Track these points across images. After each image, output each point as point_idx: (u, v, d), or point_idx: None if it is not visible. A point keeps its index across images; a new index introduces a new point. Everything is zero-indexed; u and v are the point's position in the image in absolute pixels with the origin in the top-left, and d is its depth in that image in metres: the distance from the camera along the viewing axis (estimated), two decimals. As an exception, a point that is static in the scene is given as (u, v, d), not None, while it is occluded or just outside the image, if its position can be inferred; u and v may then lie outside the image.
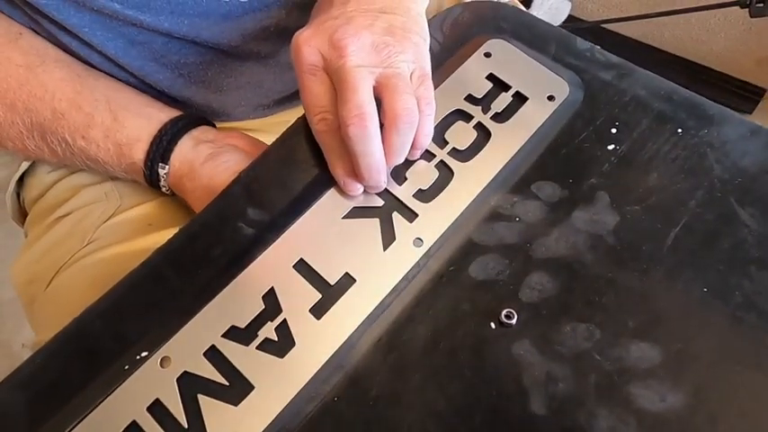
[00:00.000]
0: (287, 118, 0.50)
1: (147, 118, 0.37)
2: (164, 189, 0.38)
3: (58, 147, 0.36)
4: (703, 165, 0.33)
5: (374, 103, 0.30)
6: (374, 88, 0.30)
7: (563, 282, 0.30)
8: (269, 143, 0.43)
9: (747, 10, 0.97)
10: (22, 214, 0.47)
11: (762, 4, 0.96)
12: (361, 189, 0.32)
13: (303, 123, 0.35)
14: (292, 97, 0.48)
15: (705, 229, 0.31)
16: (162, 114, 0.37)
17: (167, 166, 0.36)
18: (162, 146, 0.36)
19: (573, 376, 0.27)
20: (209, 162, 0.36)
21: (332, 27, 0.31)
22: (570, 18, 1.30)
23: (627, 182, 0.33)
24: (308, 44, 0.31)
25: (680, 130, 0.34)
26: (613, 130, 0.34)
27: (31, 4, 0.35)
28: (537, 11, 1.27)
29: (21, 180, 0.45)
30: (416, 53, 0.32)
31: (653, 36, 1.24)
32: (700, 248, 0.30)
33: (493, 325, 0.29)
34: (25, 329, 0.94)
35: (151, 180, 0.37)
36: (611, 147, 0.34)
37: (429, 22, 0.39)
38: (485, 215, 0.32)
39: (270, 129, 0.49)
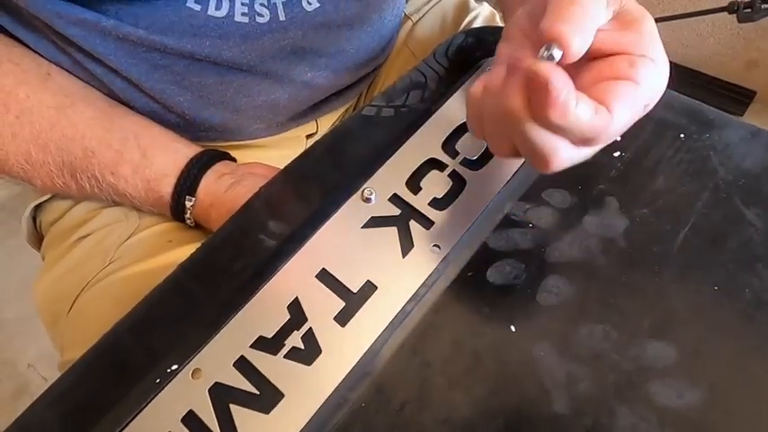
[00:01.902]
0: (299, 133, 0.51)
1: (174, 153, 0.38)
2: (188, 221, 0.39)
3: (86, 183, 0.37)
4: (707, 167, 0.34)
5: None
6: None
7: (578, 284, 0.31)
8: (282, 158, 0.44)
9: (735, 15, 1.00)
10: (37, 238, 0.48)
11: (749, 10, 0.99)
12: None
13: (320, 141, 0.36)
14: (304, 113, 0.49)
15: (712, 230, 0.32)
16: (187, 150, 0.39)
17: (194, 199, 0.38)
18: (189, 179, 0.38)
19: (592, 376, 0.28)
20: (231, 189, 0.38)
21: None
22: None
23: (634, 186, 0.34)
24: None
25: (682, 136, 0.35)
26: (618, 138, 0.35)
27: (60, 34, 0.36)
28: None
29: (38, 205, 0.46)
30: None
31: (644, 43, 1.27)
32: (708, 248, 0.31)
33: (513, 328, 0.29)
34: (31, 349, 0.94)
35: (176, 212, 0.39)
36: (616, 154, 0.35)
37: (435, 50, 0.41)
38: (499, 222, 0.33)
39: (283, 144, 0.51)
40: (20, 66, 0.37)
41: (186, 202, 0.38)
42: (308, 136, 0.53)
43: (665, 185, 0.34)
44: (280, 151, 0.51)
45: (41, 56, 0.39)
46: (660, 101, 0.37)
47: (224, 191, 0.38)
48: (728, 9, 1.01)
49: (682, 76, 1.26)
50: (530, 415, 0.27)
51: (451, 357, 0.29)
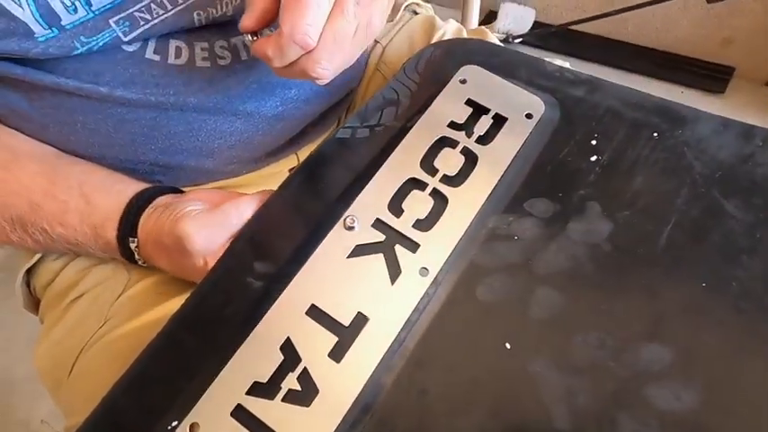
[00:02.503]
0: (279, 169, 0.51)
1: (117, 196, 0.37)
2: (140, 262, 0.38)
3: (39, 236, 0.37)
4: (683, 164, 0.34)
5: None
6: None
7: (568, 294, 0.31)
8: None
9: (702, -3, 1.01)
10: (33, 302, 0.47)
11: (716, -10, 1.00)
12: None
13: (297, 170, 0.36)
14: (282, 148, 0.49)
15: (695, 226, 0.32)
16: (129, 190, 0.38)
17: (136, 239, 0.37)
18: (129, 220, 0.36)
19: (590, 387, 0.28)
20: (157, 220, 0.36)
21: None
22: (537, 24, 1.33)
23: (614, 189, 0.34)
24: None
25: (656, 134, 0.36)
26: (593, 142, 0.36)
27: (26, 93, 0.36)
28: (503, 22, 1.31)
29: (28, 270, 0.46)
30: None
31: (618, 31, 1.28)
32: (692, 244, 0.32)
33: (508, 345, 0.29)
34: (42, 405, 0.93)
35: (126, 255, 0.38)
36: (593, 158, 0.35)
37: (404, 65, 0.41)
38: (484, 237, 0.33)
39: (265, 182, 0.50)
40: None
41: (131, 244, 0.37)
42: (291, 170, 0.53)
43: (644, 185, 0.34)
44: (261, 188, 0.51)
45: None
46: (631, 101, 0.38)
47: (153, 223, 0.36)
48: (695, -11, 1.02)
49: (660, 60, 1.27)
50: (533, 432, 0.27)
51: (449, 383, 0.29)
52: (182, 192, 0.41)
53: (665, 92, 1.27)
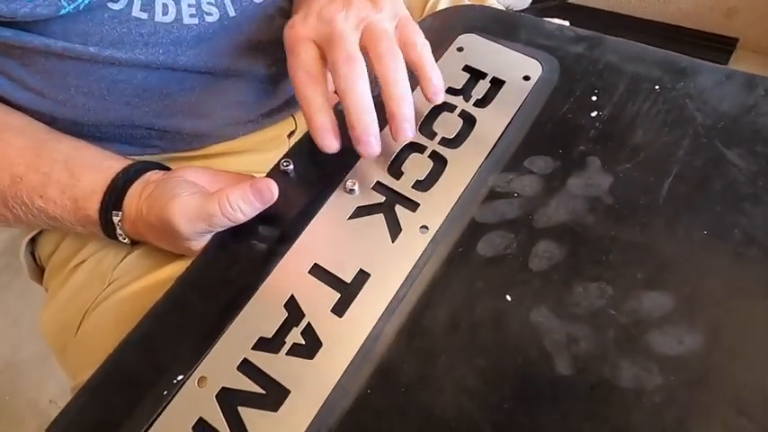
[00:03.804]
0: (279, 132, 0.51)
1: (105, 171, 0.36)
2: (120, 238, 0.37)
3: (19, 210, 0.36)
4: (685, 115, 0.34)
5: (360, 53, 0.32)
6: (360, 44, 0.33)
7: (569, 246, 0.31)
8: (266, 161, 0.44)
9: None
10: (39, 271, 0.48)
11: (722, -43, 0.98)
12: (336, 145, 0.33)
13: (299, 141, 0.36)
14: (279, 110, 0.49)
15: (696, 175, 0.32)
16: (118, 165, 0.37)
17: (120, 213, 0.36)
18: (115, 193, 0.36)
19: (592, 334, 0.28)
20: (149, 196, 0.35)
21: (318, 6, 0.34)
22: (536, -1, 1.32)
23: (615, 143, 0.34)
24: (301, 23, 0.34)
25: (657, 87, 0.35)
26: (594, 98, 0.36)
27: (13, 62, 0.36)
28: (504, -2, 1.29)
29: (32, 239, 0.47)
30: (393, 7, 0.35)
31: (620, 4, 1.26)
32: (694, 194, 0.31)
33: (509, 297, 0.30)
34: (50, 385, 0.95)
35: (107, 230, 0.36)
36: (594, 113, 0.35)
37: None
38: (484, 195, 0.33)
39: (265, 146, 0.51)
40: None
41: (114, 218, 0.36)
42: (289, 135, 0.53)
43: (645, 138, 0.34)
44: (263, 154, 0.51)
45: None
46: (631, 55, 0.37)
47: (144, 199, 0.35)
48: (701, -41, 1.00)
49: (663, 33, 1.25)
50: (535, 380, 0.27)
51: (450, 334, 0.29)
52: (168, 169, 0.40)
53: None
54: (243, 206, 0.32)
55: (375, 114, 0.32)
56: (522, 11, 1.30)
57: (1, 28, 0.35)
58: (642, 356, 0.27)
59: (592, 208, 0.32)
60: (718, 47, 1.21)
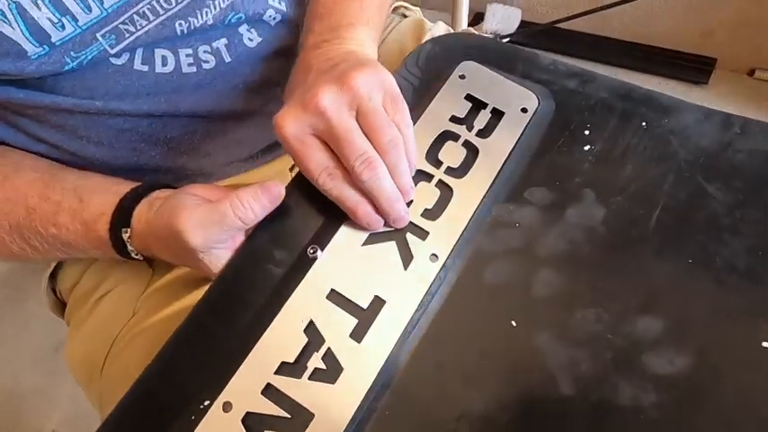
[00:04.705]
0: (280, 167, 0.53)
1: (112, 193, 0.38)
2: (132, 254, 0.38)
3: (35, 241, 0.37)
4: (669, 151, 0.37)
5: (373, 149, 0.33)
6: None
7: (568, 274, 0.33)
8: None
9: (683, -9, 1.05)
10: (60, 305, 0.49)
11: (696, -16, 1.03)
12: (383, 223, 0.35)
13: (301, 176, 0.38)
14: (277, 145, 0.51)
15: (681, 208, 0.35)
16: (125, 187, 0.38)
17: (129, 230, 0.36)
18: (123, 212, 0.37)
19: (591, 357, 0.31)
20: (157, 210, 0.36)
21: (302, 96, 0.34)
22: (523, 23, 1.36)
23: (607, 176, 0.37)
24: (289, 118, 0.33)
25: (644, 124, 0.38)
26: (586, 132, 0.38)
27: (20, 115, 0.37)
28: (490, 22, 1.33)
29: (52, 275, 0.47)
30: (380, 81, 0.34)
31: (603, 27, 1.32)
32: (679, 225, 0.34)
33: (513, 323, 0.32)
34: (53, 415, 0.95)
35: (118, 247, 0.37)
36: (587, 147, 0.38)
37: (405, 60, 0.43)
38: (488, 224, 0.36)
39: (263, 180, 0.52)
40: None
41: (123, 235, 0.37)
42: (291, 168, 0.55)
43: (634, 172, 0.36)
44: None
45: (7, 143, 0.40)
46: (621, 93, 0.40)
47: (152, 214, 0.36)
48: (675, -14, 1.06)
49: (644, 54, 1.31)
50: (540, 401, 0.30)
51: (462, 358, 0.31)
52: (173, 188, 0.40)
53: (651, 85, 1.31)
54: (253, 204, 0.33)
55: (401, 195, 0.34)
56: (510, 35, 1.34)
57: (14, 90, 0.37)
58: (638, 376, 0.30)
59: (588, 238, 0.34)
60: (698, 66, 1.28)
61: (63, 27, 0.34)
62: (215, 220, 0.33)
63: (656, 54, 1.31)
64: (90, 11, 0.35)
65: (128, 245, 0.37)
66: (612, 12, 1.15)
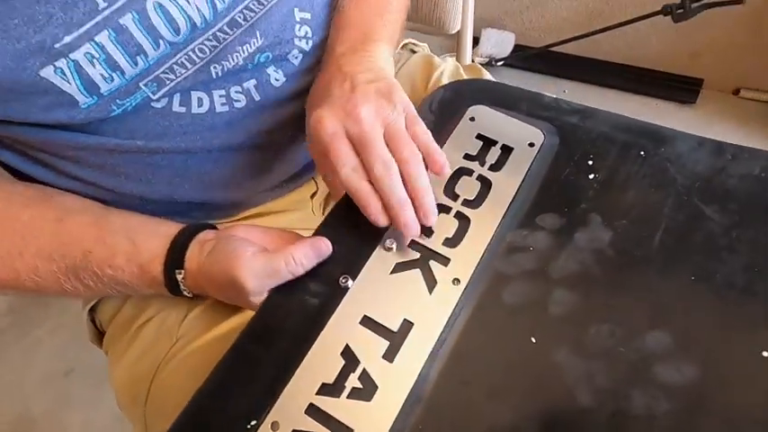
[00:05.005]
0: (301, 196, 0.56)
1: (161, 237, 0.41)
2: (185, 293, 0.41)
3: (90, 281, 0.40)
4: (667, 177, 0.40)
5: (391, 157, 0.38)
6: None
7: (580, 293, 0.36)
8: (292, 221, 0.49)
9: (671, 16, 1.10)
10: (98, 335, 0.52)
11: (681, 10, 1.09)
12: (387, 221, 0.38)
13: (337, 204, 0.41)
14: (299, 174, 0.55)
15: (681, 229, 0.38)
16: (172, 230, 0.42)
17: (183, 271, 0.40)
18: (175, 254, 0.40)
19: (606, 369, 0.33)
20: (209, 255, 0.40)
21: (343, 103, 0.39)
22: (517, 47, 1.42)
23: (611, 202, 0.40)
24: (328, 117, 0.39)
25: (642, 153, 0.42)
26: (590, 162, 0.42)
27: (64, 156, 0.41)
28: (485, 47, 1.39)
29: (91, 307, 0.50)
30: (402, 103, 0.40)
31: (594, 50, 1.37)
32: (680, 245, 0.38)
33: (533, 339, 0.35)
34: None
35: (172, 288, 0.41)
36: (591, 176, 0.41)
37: (420, 106, 0.47)
38: (504, 250, 0.39)
39: (290, 208, 0.56)
40: (23, 194, 0.41)
41: (177, 276, 0.40)
42: (312, 196, 0.59)
43: (636, 197, 0.40)
44: (289, 215, 0.56)
45: (44, 182, 0.44)
46: (619, 125, 0.44)
47: (204, 257, 0.40)
48: (663, 12, 1.11)
49: (634, 76, 1.36)
50: (561, 412, 0.32)
51: (487, 373, 0.34)
52: (215, 228, 0.45)
53: (642, 105, 1.35)
54: (304, 261, 0.37)
55: (411, 203, 0.38)
56: (504, 59, 1.39)
57: (60, 133, 0.40)
58: (650, 387, 0.32)
59: (597, 259, 0.38)
60: (685, 87, 1.33)
61: (112, 80, 0.38)
62: (269, 273, 0.37)
63: (645, 75, 1.36)
64: (136, 65, 0.38)
65: (180, 285, 0.40)
66: (601, 36, 1.21)
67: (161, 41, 0.38)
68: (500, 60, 1.42)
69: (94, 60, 0.36)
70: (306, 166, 0.55)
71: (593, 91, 1.40)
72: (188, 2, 0.38)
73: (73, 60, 0.35)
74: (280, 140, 0.50)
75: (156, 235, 0.41)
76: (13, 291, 0.40)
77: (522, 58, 1.43)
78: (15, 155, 0.42)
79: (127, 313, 0.48)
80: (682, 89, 1.33)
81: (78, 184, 0.44)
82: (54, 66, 0.35)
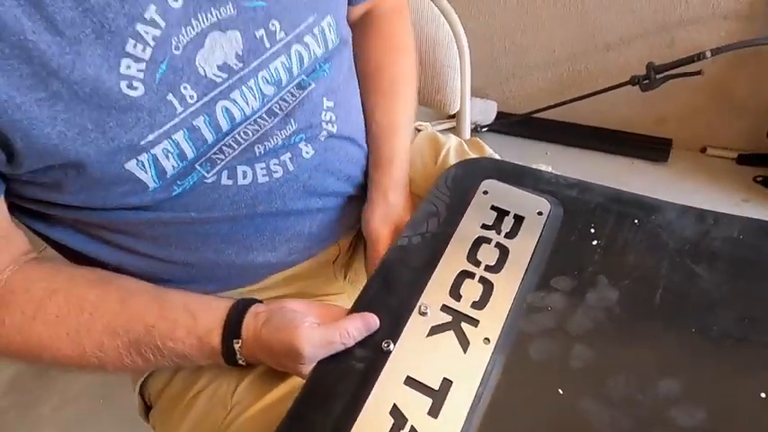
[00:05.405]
0: (325, 258, 0.61)
1: (216, 310, 0.45)
2: (240, 362, 0.45)
3: (150, 354, 0.44)
4: (660, 241, 0.46)
5: None
6: None
7: (596, 347, 0.41)
8: (315, 285, 0.53)
9: (638, 86, 1.22)
10: (146, 408, 0.54)
11: (647, 81, 1.21)
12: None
13: (375, 274, 0.46)
14: (327, 237, 0.60)
15: (677, 287, 0.44)
16: (225, 304, 0.46)
17: (240, 340, 0.44)
18: (232, 325, 0.44)
19: (627, 415, 0.38)
20: (264, 326, 0.44)
21: (389, 209, 0.51)
22: (500, 114, 1.53)
23: (615, 265, 0.45)
24: (385, 228, 0.47)
25: (636, 221, 0.48)
26: (592, 230, 0.48)
27: (120, 231, 0.46)
28: (471, 115, 1.50)
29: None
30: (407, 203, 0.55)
31: (571, 115, 1.49)
32: (679, 301, 0.43)
33: (560, 391, 0.39)
34: None
35: (228, 357, 0.44)
36: (594, 242, 0.47)
37: (436, 182, 0.53)
38: (525, 310, 0.44)
39: (314, 272, 0.60)
40: (86, 276, 0.45)
41: (235, 345, 0.44)
42: (333, 261, 0.63)
43: (635, 260, 0.46)
44: (313, 280, 0.61)
45: (101, 258, 0.48)
46: (612, 197, 0.51)
47: (260, 327, 0.44)
48: (631, 82, 1.23)
49: (609, 137, 1.48)
50: (592, 456, 0.36)
51: (521, 425, 0.38)
52: (261, 302, 0.49)
53: (619, 164, 1.46)
54: (356, 334, 0.41)
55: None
56: (488, 125, 1.50)
57: (126, 212, 0.45)
58: (668, 430, 0.37)
59: (607, 316, 0.43)
60: (657, 147, 1.45)
61: (176, 167, 0.43)
62: (324, 344, 0.41)
63: (619, 137, 1.48)
64: (197, 152, 0.44)
65: (237, 353, 0.44)
66: (578, 103, 1.33)
67: (219, 132, 0.44)
68: (485, 126, 1.52)
69: (169, 154, 0.42)
70: (332, 231, 0.60)
71: (572, 152, 1.50)
72: (246, 102, 0.44)
73: (152, 154, 0.41)
74: (311, 205, 0.55)
75: (212, 309, 0.45)
76: (75, 367, 0.43)
77: (506, 124, 1.54)
78: (76, 234, 0.47)
79: (177, 386, 0.50)
80: (654, 149, 1.45)
81: (133, 257, 0.48)
82: (137, 159, 0.40)
